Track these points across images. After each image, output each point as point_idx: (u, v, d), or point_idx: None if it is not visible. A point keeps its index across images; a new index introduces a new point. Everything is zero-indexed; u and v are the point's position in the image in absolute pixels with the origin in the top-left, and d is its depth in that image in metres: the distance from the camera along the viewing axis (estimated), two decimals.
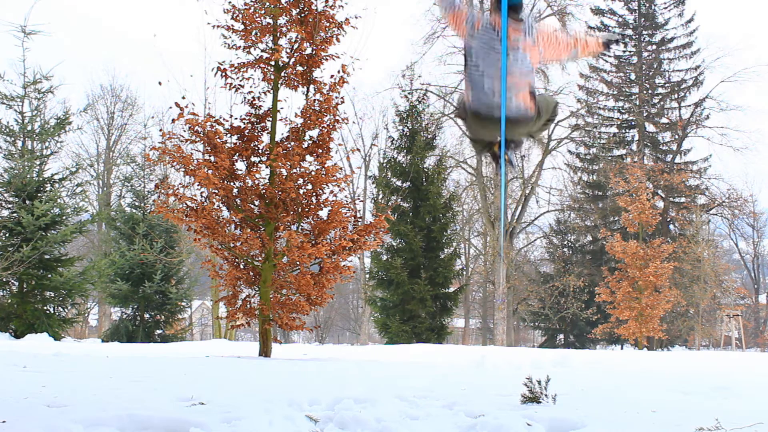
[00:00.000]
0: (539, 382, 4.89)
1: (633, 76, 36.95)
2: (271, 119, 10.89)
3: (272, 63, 10.82)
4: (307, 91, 10.89)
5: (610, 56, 37.13)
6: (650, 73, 36.68)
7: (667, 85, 36.93)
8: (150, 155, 11.10)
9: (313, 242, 10.49)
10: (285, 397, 4.73)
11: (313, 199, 10.74)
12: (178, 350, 12.60)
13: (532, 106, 4.46)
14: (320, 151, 10.77)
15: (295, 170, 10.47)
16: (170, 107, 12.06)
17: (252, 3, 10.63)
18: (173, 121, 10.43)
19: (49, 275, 16.77)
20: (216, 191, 10.10)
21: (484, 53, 4.42)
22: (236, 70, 10.81)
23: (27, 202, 16.72)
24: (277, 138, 10.87)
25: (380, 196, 26.07)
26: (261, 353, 10.48)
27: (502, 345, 27.32)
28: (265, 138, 10.93)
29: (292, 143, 10.63)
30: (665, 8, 37.01)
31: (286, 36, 10.91)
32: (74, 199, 18.27)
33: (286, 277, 10.65)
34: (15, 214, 16.50)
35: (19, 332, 15.95)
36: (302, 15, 10.69)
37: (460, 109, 4.84)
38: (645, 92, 36.24)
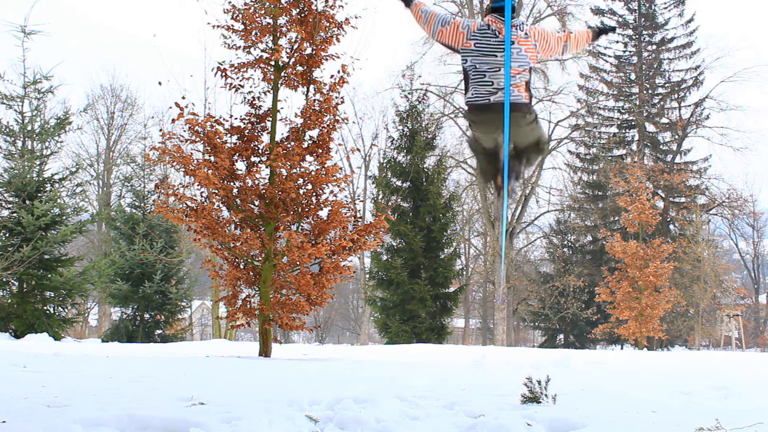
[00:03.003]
0: (539, 382, 4.89)
1: (633, 76, 36.95)
2: (271, 119, 10.89)
3: (272, 63, 10.82)
4: (307, 91, 10.89)
5: (610, 56, 37.17)
6: (650, 73, 36.68)
7: (667, 85, 36.93)
8: (150, 155, 11.10)
9: (313, 242, 10.49)
10: (285, 397, 4.73)
11: (313, 199, 10.74)
12: (178, 350, 12.60)
13: (528, 95, 4.67)
14: (320, 151, 10.77)
15: (295, 170, 10.47)
16: (170, 107, 12.08)
17: (252, 3, 10.63)
18: (173, 121, 10.43)
19: (49, 275, 16.77)
20: (216, 191, 10.10)
21: (482, 55, 4.61)
22: (236, 70, 10.81)
23: (27, 202, 16.72)
24: (277, 138, 10.88)
25: (380, 196, 26.06)
26: (261, 353, 10.48)
27: (502, 345, 27.32)
28: (265, 138, 10.93)
29: (292, 143, 10.63)
30: (665, 8, 37.01)
31: (286, 36, 10.91)
32: (74, 199, 18.29)
33: (286, 277, 10.64)
34: (15, 214, 16.50)
35: (19, 332, 15.96)
36: (302, 15, 10.69)
37: (470, 143, 5.11)
38: (645, 92, 36.24)
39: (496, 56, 4.55)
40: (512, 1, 4.39)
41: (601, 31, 5.16)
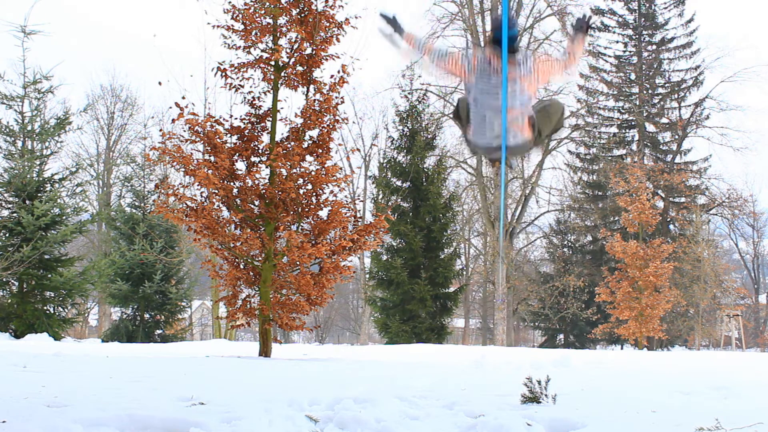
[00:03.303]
0: (539, 382, 4.89)
1: (633, 76, 36.94)
2: (271, 119, 10.89)
3: (272, 63, 10.82)
4: (307, 91, 10.89)
5: (610, 56, 37.16)
6: (650, 73, 36.67)
7: (667, 85, 36.92)
8: (150, 155, 11.10)
9: (313, 242, 10.49)
10: (285, 397, 4.73)
11: (313, 199, 10.74)
12: (178, 350, 12.60)
13: (530, 132, 4.57)
14: (320, 151, 10.77)
15: (295, 170, 10.47)
16: (170, 107, 12.07)
17: (252, 3, 10.63)
18: (173, 121, 10.43)
19: (49, 275, 16.76)
20: (216, 191, 10.10)
21: (481, 91, 4.51)
22: (236, 70, 10.81)
23: (27, 202, 16.72)
24: (277, 138, 10.88)
25: (380, 196, 26.05)
26: (261, 353, 10.48)
27: (502, 345, 27.31)
28: (265, 138, 10.93)
29: (292, 143, 10.63)
30: (665, 8, 37.01)
31: (286, 36, 10.91)
32: (74, 199, 18.28)
33: (286, 277, 10.64)
34: (15, 214, 16.50)
35: (19, 332, 15.95)
36: (302, 15, 10.69)
37: (457, 110, 4.88)
38: (645, 92, 36.23)
39: (497, 96, 4.41)
40: (515, 31, 4.32)
41: (580, 27, 4.84)
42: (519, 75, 4.46)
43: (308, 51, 10.80)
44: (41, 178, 17.12)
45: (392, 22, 4.81)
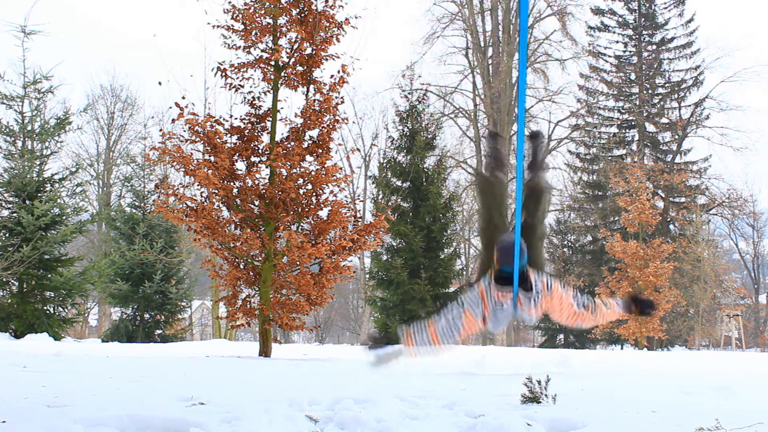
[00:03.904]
0: (539, 382, 4.89)
1: (633, 76, 36.95)
2: (271, 119, 10.89)
3: (272, 63, 10.82)
4: (307, 91, 10.89)
5: (610, 56, 37.15)
6: (650, 73, 36.67)
7: (667, 85, 36.93)
8: (150, 155, 11.10)
9: (313, 242, 10.48)
10: (285, 397, 4.73)
11: (313, 199, 10.74)
12: (178, 350, 12.59)
13: (532, 276, 4.31)
14: (320, 151, 10.77)
15: (295, 170, 10.47)
16: (170, 107, 12.08)
17: (252, 3, 10.63)
18: (173, 121, 10.43)
19: (49, 275, 16.76)
20: (216, 191, 10.10)
21: (495, 323, 4.38)
22: (236, 70, 10.82)
23: (27, 202, 16.71)
24: (277, 138, 10.88)
25: (380, 196, 26.05)
26: (261, 353, 10.48)
27: (502, 345, 27.33)
28: (265, 138, 10.93)
29: (292, 143, 10.63)
30: (665, 8, 37.02)
31: (286, 36, 10.91)
32: (74, 199, 18.27)
33: (286, 277, 10.64)
34: (15, 214, 16.49)
35: (19, 332, 15.95)
36: (302, 15, 10.69)
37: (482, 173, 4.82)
38: (645, 92, 36.23)
39: (509, 319, 4.34)
40: (525, 260, 4.09)
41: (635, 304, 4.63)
42: (528, 309, 4.31)
43: (308, 51, 10.81)
44: (41, 178, 17.12)
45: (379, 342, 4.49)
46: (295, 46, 10.81)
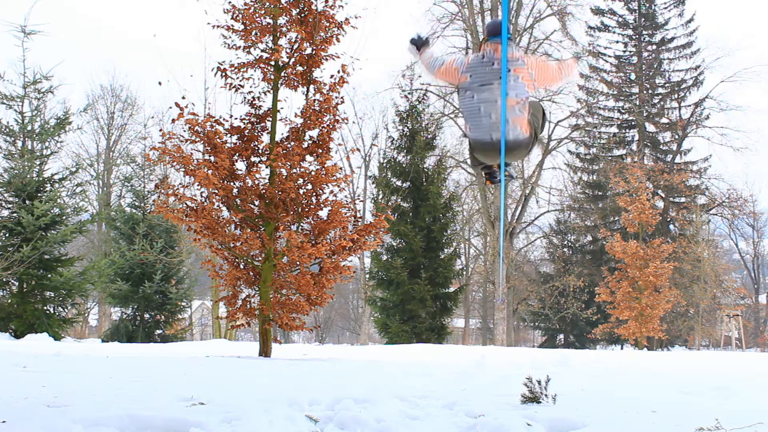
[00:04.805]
0: (539, 382, 4.89)
1: (633, 76, 36.95)
2: (271, 119, 10.88)
3: (272, 63, 10.82)
4: (307, 91, 10.88)
5: (610, 56, 37.16)
6: (650, 73, 36.67)
7: (667, 85, 36.93)
8: (150, 155, 11.09)
9: (313, 242, 10.48)
10: (285, 397, 4.73)
11: (313, 199, 10.74)
12: (178, 350, 12.59)
13: (528, 129, 4.72)
14: (320, 151, 10.76)
15: (295, 170, 10.46)
16: (170, 107, 12.10)
17: (252, 3, 10.63)
18: (173, 121, 10.43)
19: (49, 275, 16.76)
20: (216, 191, 10.10)
21: (477, 85, 4.67)
22: (236, 70, 10.81)
23: (27, 202, 16.71)
24: (277, 138, 10.87)
25: (380, 196, 26.05)
26: (261, 353, 10.48)
27: (502, 345, 27.31)
28: (265, 138, 10.93)
29: (292, 143, 10.63)
30: (665, 8, 37.02)
31: (286, 36, 10.91)
32: (74, 199, 18.28)
33: (286, 277, 10.64)
34: (15, 214, 16.50)
35: (19, 332, 15.95)
36: (302, 15, 10.69)
37: (471, 160, 5.24)
38: (645, 92, 36.23)
39: (492, 85, 4.57)
40: (508, 32, 4.41)
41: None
42: (513, 65, 4.59)
43: (308, 51, 10.80)
44: (41, 178, 17.12)
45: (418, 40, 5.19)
46: (295, 46, 10.81)
